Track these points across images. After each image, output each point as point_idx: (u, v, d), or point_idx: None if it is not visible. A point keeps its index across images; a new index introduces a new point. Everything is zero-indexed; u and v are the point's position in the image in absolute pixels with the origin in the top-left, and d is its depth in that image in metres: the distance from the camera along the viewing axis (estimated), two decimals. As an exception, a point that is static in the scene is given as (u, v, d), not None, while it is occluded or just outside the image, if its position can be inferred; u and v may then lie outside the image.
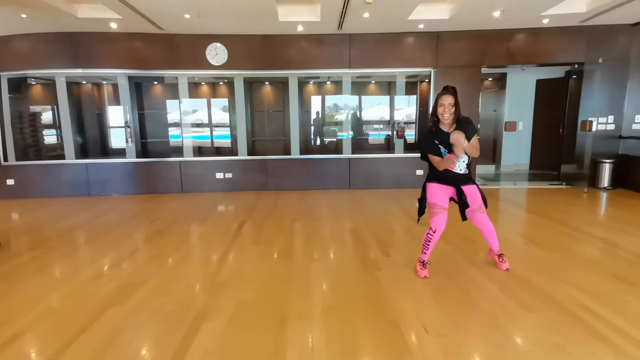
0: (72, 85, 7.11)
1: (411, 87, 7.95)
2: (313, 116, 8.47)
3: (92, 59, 6.12)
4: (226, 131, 8.07)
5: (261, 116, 8.14)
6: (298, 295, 2.68)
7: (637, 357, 1.94)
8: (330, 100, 8.48)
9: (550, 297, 2.60)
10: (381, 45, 6.33)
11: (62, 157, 6.46)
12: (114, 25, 5.64)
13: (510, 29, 6.20)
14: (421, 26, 5.93)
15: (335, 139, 8.40)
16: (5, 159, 6.23)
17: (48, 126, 7.31)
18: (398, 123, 7.62)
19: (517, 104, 8.25)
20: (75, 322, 2.35)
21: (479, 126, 6.68)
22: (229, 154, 7.42)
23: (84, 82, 7.54)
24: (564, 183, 6.78)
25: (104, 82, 7.72)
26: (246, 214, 5.08)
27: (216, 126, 8.06)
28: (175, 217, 4.95)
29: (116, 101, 7.60)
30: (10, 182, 6.25)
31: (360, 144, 8.38)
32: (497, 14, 5.30)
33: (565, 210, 5.06)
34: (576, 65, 6.50)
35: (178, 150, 7.03)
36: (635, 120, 6.37)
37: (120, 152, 7.07)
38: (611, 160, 6.30)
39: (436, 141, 2.78)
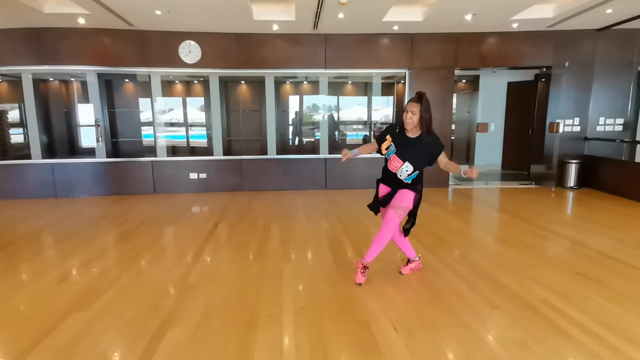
0: (39, 83, 6.81)
1: (388, 88, 8.03)
2: (292, 116, 8.43)
3: (59, 56, 5.88)
4: (202, 131, 7.93)
5: (237, 116, 8.04)
6: (269, 298, 2.65)
7: (597, 351, 2.02)
8: (308, 100, 8.46)
9: (515, 294, 2.67)
10: (357, 46, 6.36)
11: (28, 156, 6.18)
12: (81, 21, 5.43)
13: (482, 33, 6.35)
14: (396, 28, 6.00)
15: (313, 139, 8.38)
16: (-34, 159, 5.92)
17: (15, 125, 6.99)
18: (375, 124, 7.68)
19: (489, 105, 8.47)
20: (36, 328, 2.25)
21: (453, 127, 6.80)
22: (205, 153, 7.29)
23: (52, 79, 7.23)
24: (533, 183, 7.00)
25: (73, 79, 7.43)
26: (220, 215, 5.00)
27: (192, 125, 7.91)
28: (145, 219, 4.82)
29: (85, 99, 7.33)
30: (-30, 183, 5.94)
31: (337, 144, 8.40)
32: (468, 17, 5.42)
33: (534, 209, 5.22)
34: (544, 69, 6.72)
35: (151, 150, 6.85)
36: (599, 123, 6.64)
37: (90, 152, 6.83)
38: (577, 161, 6.54)
39: (389, 136, 2.80)
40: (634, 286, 2.79)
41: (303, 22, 5.60)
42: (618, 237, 3.94)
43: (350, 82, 8.41)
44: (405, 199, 2.76)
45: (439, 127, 6.60)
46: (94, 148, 6.44)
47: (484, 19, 5.56)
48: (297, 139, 8.45)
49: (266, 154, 6.76)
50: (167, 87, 7.71)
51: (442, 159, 2.77)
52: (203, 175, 6.52)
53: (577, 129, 6.65)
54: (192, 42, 6.11)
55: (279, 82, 7.76)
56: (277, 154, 6.79)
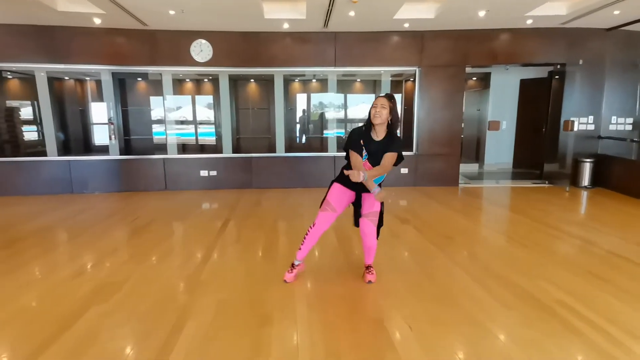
0: (54, 81, 6.93)
1: (396, 85, 8.01)
2: (299, 114, 8.46)
3: (72, 54, 5.97)
4: (211, 128, 7.99)
5: (246, 114, 8.09)
6: (280, 294, 2.68)
7: (608, 349, 2.02)
8: (316, 98, 8.48)
9: (527, 293, 2.67)
10: (366, 43, 6.35)
11: (44, 153, 6.30)
12: (97, 21, 5.51)
13: (494, 29, 6.29)
14: (406, 25, 5.98)
15: (320, 137, 8.40)
16: (-20, 156, 6.04)
17: (27, 122, 7.11)
18: (384, 122, 7.66)
19: (500, 103, 8.40)
20: (57, 321, 2.31)
21: (462, 125, 6.77)
22: (214, 151, 7.35)
23: (67, 78, 7.36)
24: (547, 182, 6.94)
25: (87, 78, 7.55)
26: (230, 212, 5.06)
27: (201, 123, 7.98)
28: (157, 215, 4.89)
29: (99, 97, 7.44)
30: (-15, 179, 6.07)
31: (344, 142, 8.39)
32: (482, 13, 5.38)
33: (546, 208, 5.18)
34: (558, 66, 6.65)
35: (162, 148, 6.94)
36: (612, 122, 6.56)
37: (104, 149, 6.94)
38: (591, 160, 6.48)
39: (362, 141, 2.66)
40: (647, 286, 2.78)
41: (313, 20, 5.61)
42: (628, 237, 3.91)
43: (358, 79, 8.41)
44: (373, 204, 2.71)
45: (448, 126, 6.59)
46: (107, 146, 6.55)
47: (498, 15, 5.52)
48: (304, 137, 8.48)
49: (275, 151, 6.80)
50: (177, 85, 7.79)
51: (388, 159, 2.61)
52: (213, 173, 6.58)
53: (591, 127, 6.58)
54: (204, 41, 6.16)
55: (287, 80, 7.79)
56: (285, 151, 6.83)
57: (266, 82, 7.88)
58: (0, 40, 5.76)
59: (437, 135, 6.65)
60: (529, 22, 5.90)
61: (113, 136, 6.47)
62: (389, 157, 2.61)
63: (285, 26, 5.90)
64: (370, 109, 2.63)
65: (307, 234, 2.81)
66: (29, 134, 7.11)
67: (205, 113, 8.03)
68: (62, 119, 7.22)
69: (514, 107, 8.41)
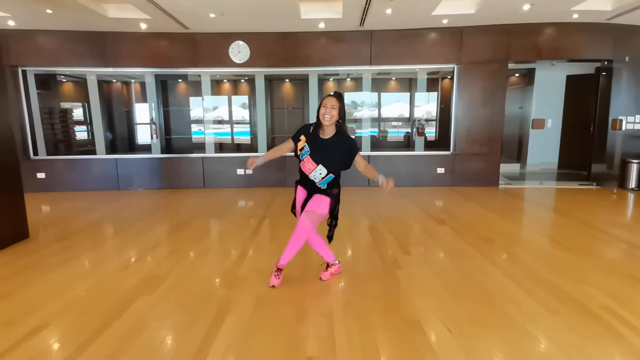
0: (103, 84, 7.36)
1: (432, 83, 7.83)
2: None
3: (120, 58, 6.31)
4: (246, 128, 8.17)
5: (281, 113, 8.21)
6: (316, 292, 2.71)
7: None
8: (350, 97, 8.46)
9: (570, 298, 2.56)
10: (403, 41, 6.26)
11: (93, 152, 6.71)
12: (143, 26, 5.79)
13: (538, 24, 6.01)
14: (445, 21, 5.83)
15: (353, 137, 8.37)
16: (36, 153, 6.51)
17: (79, 122, 7.60)
18: (418, 120, 7.52)
19: (545, 100, 8.00)
20: (108, 309, 2.45)
21: (503, 122, 6.51)
22: (249, 150, 7.52)
23: (114, 81, 7.79)
24: (594, 183, 6.54)
25: (133, 81, 7.96)
26: (265, 210, 5.15)
27: (236, 123, 8.18)
28: (196, 212, 5.07)
29: (143, 99, 7.82)
30: (40, 175, 6.54)
31: (378, 141, 8.33)
32: (526, 7, 5.15)
33: (592, 211, 4.90)
34: (605, 62, 6.26)
35: (199, 147, 7.18)
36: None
37: (146, 148, 7.29)
38: (639, 161, 6.04)
39: (304, 137, 2.62)
40: None
41: (349, 19, 5.60)
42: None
43: (393, 78, 8.30)
44: (320, 204, 2.64)
45: (488, 124, 6.36)
46: (150, 145, 6.87)
47: (542, 9, 5.26)
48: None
49: (309, 150, 6.83)
50: (215, 86, 8.02)
51: (359, 162, 2.61)
52: (249, 171, 6.73)
53: (638, 126, 6.16)
54: (241, 42, 6.31)
55: (321, 80, 7.82)
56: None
57: (301, 82, 7.96)
58: (57, 46, 6.19)
59: (476, 134, 6.43)
60: (575, 16, 5.59)
61: (155, 135, 6.77)
62: (359, 161, 2.63)
63: (321, 26, 5.92)
64: (319, 108, 2.58)
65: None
66: (80, 133, 7.60)
67: (240, 113, 8.23)
68: (110, 120, 7.66)
69: (559, 105, 7.98)
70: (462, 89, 6.35)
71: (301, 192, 2.77)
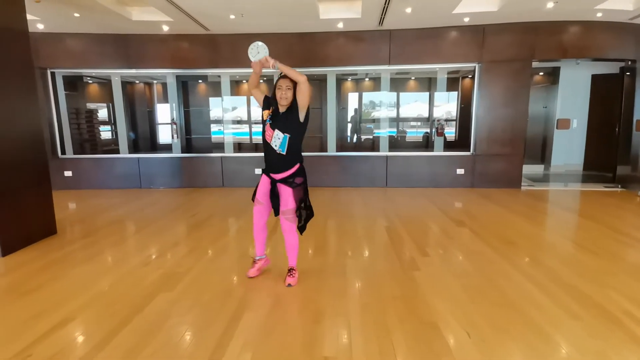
0: (127, 85, 7.57)
1: (452, 83, 7.71)
2: (351, 113, 8.45)
3: (143, 60, 6.47)
4: (265, 128, 8.22)
5: (299, 113, 8.22)
6: (333, 292, 2.70)
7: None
8: (368, 97, 8.42)
9: (594, 303, 2.49)
10: (422, 40, 6.18)
11: (117, 151, 6.91)
12: (165, 28, 5.92)
13: (563, 22, 5.83)
14: (466, 19, 5.73)
15: (371, 137, 8.33)
16: (63, 152, 6.75)
17: (103, 122, 7.84)
18: (438, 120, 7.42)
19: (570, 100, 7.75)
20: (128, 306, 2.52)
21: (527, 122, 6.34)
22: (268, 150, 7.56)
23: (137, 82, 8.00)
24: (619, 186, 6.30)
25: (154, 81, 8.15)
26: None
27: (255, 123, 8.27)
28: (215, 211, 5.15)
29: (165, 99, 8.01)
30: (67, 173, 6.77)
31: (397, 141, 8.26)
32: (550, 5, 5.01)
33: (617, 214, 4.74)
34: (629, 62, 6.03)
35: (219, 146, 7.29)
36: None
37: (167, 148, 7.45)
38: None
39: (272, 108, 2.75)
40: None
41: (368, 19, 5.57)
42: None
43: (412, 77, 8.21)
44: (288, 202, 2.72)
45: (510, 124, 6.21)
46: (170, 144, 7.02)
47: (566, 6, 5.11)
48: (355, 136, 8.46)
49: (326, 150, 6.85)
50: (234, 86, 8.13)
51: (299, 88, 2.63)
52: (267, 171, 6.78)
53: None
54: (260, 43, 6.32)
55: (339, 80, 7.81)
56: (336, 151, 6.85)
57: (319, 82, 7.96)
58: (84, 49, 6.40)
59: (498, 135, 6.29)
60: (599, 15, 5.42)
61: (176, 135, 6.92)
62: (299, 88, 2.66)
63: (340, 26, 5.92)
64: (275, 90, 2.69)
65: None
66: (105, 133, 7.84)
67: (259, 113, 8.30)
68: (132, 120, 7.87)
69: (585, 104, 7.72)
70: (484, 88, 6.22)
71: (265, 181, 2.82)
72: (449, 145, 7.35)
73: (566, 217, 4.86)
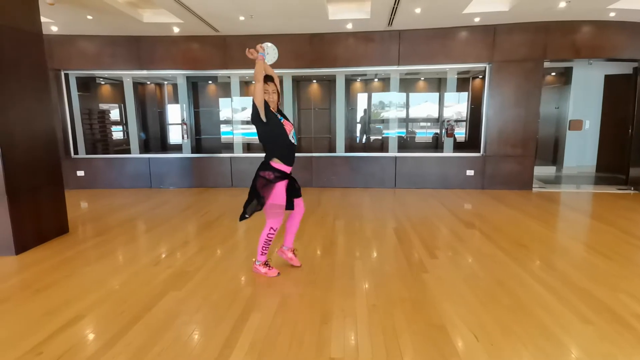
0: (138, 85, 7.67)
1: (462, 83, 7.65)
2: (360, 114, 8.43)
3: (154, 61, 6.55)
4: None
5: (308, 114, 8.25)
6: (341, 293, 2.70)
7: None
8: (377, 97, 8.39)
9: (605, 307, 2.44)
10: (432, 40, 6.14)
11: (128, 151, 7.01)
12: (176, 29, 5.99)
13: (575, 21, 5.74)
14: (477, 19, 5.68)
15: (381, 137, 8.30)
16: (76, 152, 6.86)
17: (115, 123, 7.95)
18: (448, 121, 7.36)
19: (583, 100, 7.62)
20: (139, 304, 2.55)
21: (538, 123, 6.24)
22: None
23: (148, 83, 8.10)
24: (632, 188, 6.18)
25: (165, 82, 8.24)
26: (292, 209, 5.19)
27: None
28: (224, 211, 5.18)
29: (175, 100, 8.09)
30: (80, 173, 6.88)
31: (406, 142, 8.22)
32: (562, 4, 4.94)
33: (631, 217, 4.64)
34: (640, 63, 5.92)
35: (228, 147, 7.34)
36: None
37: (177, 148, 7.53)
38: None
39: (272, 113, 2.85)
40: None
41: (377, 20, 5.55)
42: None
43: (422, 78, 8.16)
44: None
45: (522, 125, 6.13)
46: (181, 144, 7.09)
47: (578, 6, 5.03)
48: (364, 137, 8.44)
49: (335, 151, 6.85)
50: (244, 87, 8.17)
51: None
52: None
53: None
54: (270, 44, 6.36)
55: (348, 80, 7.81)
56: (345, 151, 6.84)
57: (328, 83, 7.98)
58: (97, 50, 6.50)
59: (509, 135, 6.22)
60: (612, 14, 5.33)
61: (186, 136, 6.98)
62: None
63: (349, 26, 5.91)
64: (265, 94, 2.83)
65: (271, 240, 2.94)
66: (116, 133, 7.94)
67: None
68: (143, 120, 7.97)
69: (598, 105, 7.59)
70: (495, 89, 6.16)
71: (284, 186, 2.85)
72: (459, 146, 7.28)
73: (578, 220, 4.78)
